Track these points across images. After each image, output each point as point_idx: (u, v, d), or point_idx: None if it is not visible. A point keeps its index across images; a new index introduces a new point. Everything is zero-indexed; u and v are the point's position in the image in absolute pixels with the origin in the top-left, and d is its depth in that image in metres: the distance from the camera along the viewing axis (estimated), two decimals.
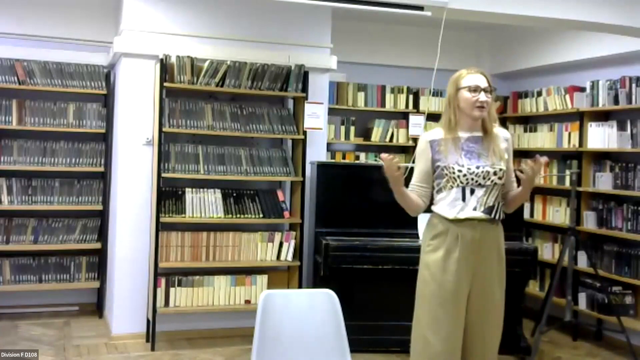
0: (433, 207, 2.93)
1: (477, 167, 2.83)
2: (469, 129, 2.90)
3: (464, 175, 2.82)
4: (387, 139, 6.37)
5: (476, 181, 2.82)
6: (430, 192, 2.95)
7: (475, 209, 2.82)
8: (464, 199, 2.83)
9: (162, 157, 4.68)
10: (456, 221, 2.83)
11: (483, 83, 2.86)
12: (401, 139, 6.40)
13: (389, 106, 6.40)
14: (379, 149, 6.48)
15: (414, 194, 2.93)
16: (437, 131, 2.95)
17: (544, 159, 2.80)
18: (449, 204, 2.85)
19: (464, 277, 2.81)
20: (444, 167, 2.85)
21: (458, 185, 2.83)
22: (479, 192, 2.83)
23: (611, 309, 4.98)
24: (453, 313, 2.80)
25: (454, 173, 2.82)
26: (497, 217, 2.87)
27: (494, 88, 2.92)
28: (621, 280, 5.15)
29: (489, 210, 2.84)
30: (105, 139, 5.42)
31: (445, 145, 2.87)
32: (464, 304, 2.82)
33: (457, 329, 2.81)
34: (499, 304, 2.89)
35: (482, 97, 2.83)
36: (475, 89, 2.83)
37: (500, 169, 2.85)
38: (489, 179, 2.83)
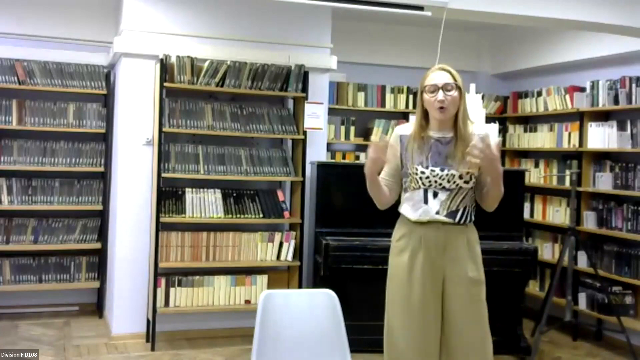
0: (399, 208, 2.85)
1: (442, 170, 2.71)
2: (439, 129, 2.76)
3: (427, 177, 2.71)
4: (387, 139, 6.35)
5: (440, 184, 2.71)
6: (399, 187, 2.84)
7: (438, 212, 2.71)
8: (426, 201, 2.72)
9: (162, 157, 4.68)
10: (419, 223, 2.74)
11: (442, 80, 2.69)
12: None
13: (389, 106, 6.40)
14: None
15: (385, 186, 2.82)
16: (410, 126, 2.84)
17: (481, 143, 2.55)
18: (412, 206, 2.76)
19: (431, 280, 2.70)
20: (409, 166, 2.76)
21: (420, 187, 2.73)
22: (442, 195, 2.71)
23: (611, 309, 4.98)
24: (423, 318, 2.68)
25: (416, 174, 2.73)
26: (462, 221, 2.73)
27: (457, 84, 2.70)
28: (621, 280, 5.15)
29: (452, 214, 2.71)
30: (105, 139, 5.42)
31: (412, 144, 2.77)
32: (435, 308, 2.70)
33: (429, 335, 2.69)
34: (477, 307, 2.72)
35: (440, 96, 2.67)
36: (432, 90, 2.69)
37: (467, 173, 2.69)
38: (454, 182, 2.70)
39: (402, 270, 2.74)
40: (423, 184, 2.73)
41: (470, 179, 2.73)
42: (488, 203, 2.78)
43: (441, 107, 2.69)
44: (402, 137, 2.83)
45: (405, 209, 2.80)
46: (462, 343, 2.71)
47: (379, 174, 2.80)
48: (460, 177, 2.71)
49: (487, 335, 2.76)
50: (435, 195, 2.72)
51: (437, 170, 2.72)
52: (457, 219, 2.73)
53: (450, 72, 2.74)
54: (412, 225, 2.76)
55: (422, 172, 2.72)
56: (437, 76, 2.72)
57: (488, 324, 2.79)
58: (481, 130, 2.80)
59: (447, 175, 2.71)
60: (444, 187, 2.72)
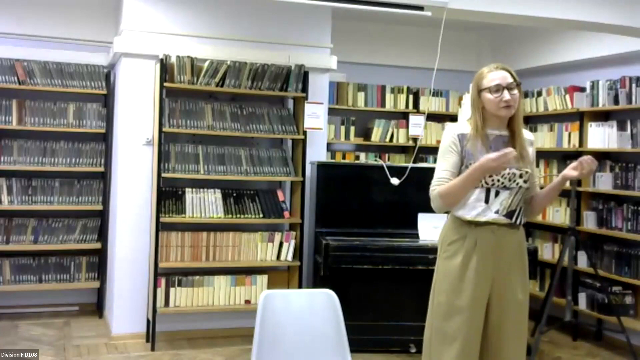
0: (453, 210, 2.79)
1: (504, 169, 2.68)
2: (498, 127, 2.75)
3: (490, 176, 2.68)
4: (387, 139, 6.37)
5: (502, 183, 2.69)
6: None
7: (497, 212, 2.70)
8: (487, 200, 2.70)
9: (162, 157, 4.68)
10: (475, 224, 2.70)
11: (505, 80, 2.69)
12: (401, 139, 6.40)
13: (389, 106, 6.40)
14: (379, 149, 6.49)
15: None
16: (466, 125, 2.79)
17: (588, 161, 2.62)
18: (469, 205, 2.71)
19: (481, 286, 2.69)
20: (470, 166, 2.70)
21: (482, 186, 2.70)
22: (503, 194, 2.71)
23: (611, 309, 4.98)
24: (469, 324, 2.68)
25: None
26: (517, 222, 2.75)
27: (519, 82, 2.72)
28: (621, 280, 5.15)
29: (510, 214, 2.72)
30: (105, 139, 5.42)
31: (473, 143, 2.73)
32: (481, 314, 2.70)
33: (473, 341, 2.70)
34: (521, 314, 2.76)
35: (506, 95, 2.66)
36: (497, 89, 2.67)
37: (527, 172, 2.71)
38: (515, 181, 2.70)
39: (453, 275, 2.72)
40: (486, 182, 2.70)
41: (528, 178, 2.74)
42: (537, 210, 2.85)
43: (508, 106, 2.69)
44: (461, 136, 2.77)
45: (460, 210, 2.75)
46: (506, 349, 2.73)
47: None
48: (521, 176, 2.72)
49: (525, 343, 2.82)
50: (497, 194, 2.72)
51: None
52: (514, 219, 2.73)
53: (509, 71, 2.74)
54: (466, 228, 2.73)
55: None
56: (499, 76, 2.71)
57: (527, 331, 2.83)
58: (528, 135, 2.85)
59: (508, 174, 2.70)
60: (505, 186, 2.71)
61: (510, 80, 2.71)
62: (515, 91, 2.71)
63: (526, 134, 2.84)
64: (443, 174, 2.75)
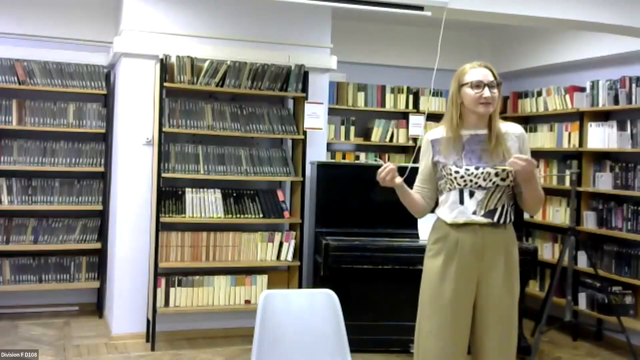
0: (436, 210, 2.81)
1: (477, 168, 2.65)
2: (474, 127, 2.72)
3: (462, 176, 2.67)
4: (387, 139, 6.37)
5: (475, 183, 2.66)
6: (434, 193, 2.82)
7: (475, 212, 2.66)
8: (462, 202, 2.67)
9: (162, 157, 4.68)
10: (456, 225, 2.69)
11: (487, 77, 2.67)
12: (401, 139, 6.40)
13: (389, 106, 6.40)
14: (379, 149, 6.50)
15: (417, 194, 2.81)
16: (440, 130, 2.80)
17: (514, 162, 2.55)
18: (448, 207, 2.71)
19: (465, 285, 2.67)
20: (443, 168, 2.72)
21: (455, 188, 2.69)
22: (479, 194, 2.66)
23: (611, 309, 4.98)
24: (452, 323, 2.66)
25: (451, 174, 2.69)
26: (501, 221, 2.68)
27: (500, 82, 2.70)
28: (621, 280, 5.15)
29: (490, 214, 2.66)
30: (105, 139, 5.42)
31: (445, 145, 2.73)
32: (466, 313, 2.68)
33: (458, 340, 2.68)
34: (508, 314, 2.70)
35: (486, 92, 2.64)
36: (478, 85, 2.65)
37: (503, 170, 2.64)
38: (490, 180, 2.65)
39: (435, 274, 2.71)
40: (458, 184, 2.68)
41: (507, 175, 2.68)
42: (529, 206, 2.74)
43: (487, 104, 2.66)
44: (434, 142, 2.78)
45: (441, 211, 2.76)
46: (491, 349, 2.69)
47: (410, 186, 2.80)
48: (497, 174, 2.66)
49: (515, 343, 2.76)
50: (471, 194, 2.68)
51: (472, 168, 2.67)
52: (495, 219, 2.67)
53: (491, 70, 2.72)
54: (448, 228, 2.71)
55: (457, 172, 2.68)
56: (481, 73, 2.69)
57: (517, 332, 2.79)
58: (515, 129, 2.77)
59: (482, 173, 2.66)
60: (480, 186, 2.67)
61: (492, 78, 2.69)
62: (496, 90, 2.69)
63: (512, 127, 2.77)
64: (417, 180, 2.87)
